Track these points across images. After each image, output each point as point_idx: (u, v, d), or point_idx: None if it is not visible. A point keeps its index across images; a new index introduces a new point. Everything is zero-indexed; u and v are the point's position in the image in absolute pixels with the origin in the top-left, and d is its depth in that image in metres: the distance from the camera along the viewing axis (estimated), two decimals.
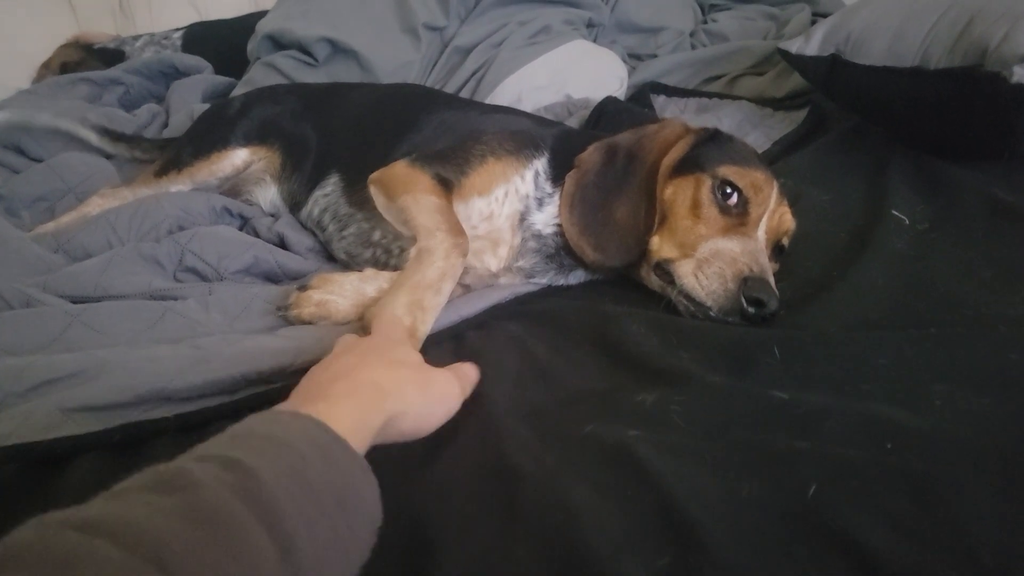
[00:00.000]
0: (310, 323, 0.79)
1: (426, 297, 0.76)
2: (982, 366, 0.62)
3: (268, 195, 1.26)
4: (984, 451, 0.52)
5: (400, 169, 0.94)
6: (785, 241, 0.91)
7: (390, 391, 0.54)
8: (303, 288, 0.81)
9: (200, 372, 0.67)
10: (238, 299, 0.82)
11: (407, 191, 0.89)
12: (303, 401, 0.50)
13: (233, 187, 1.27)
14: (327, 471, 0.41)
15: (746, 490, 0.51)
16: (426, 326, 0.76)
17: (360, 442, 0.47)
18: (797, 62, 1.30)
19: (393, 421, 0.53)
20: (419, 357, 0.64)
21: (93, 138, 1.36)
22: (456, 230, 0.84)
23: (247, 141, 1.24)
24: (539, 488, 0.53)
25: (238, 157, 1.24)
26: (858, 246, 0.86)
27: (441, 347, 0.76)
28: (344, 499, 0.41)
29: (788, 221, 0.90)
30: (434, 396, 0.59)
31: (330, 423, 0.45)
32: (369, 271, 0.86)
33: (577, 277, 0.93)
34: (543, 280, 0.92)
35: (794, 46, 1.29)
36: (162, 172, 1.24)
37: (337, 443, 0.44)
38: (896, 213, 0.91)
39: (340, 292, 0.80)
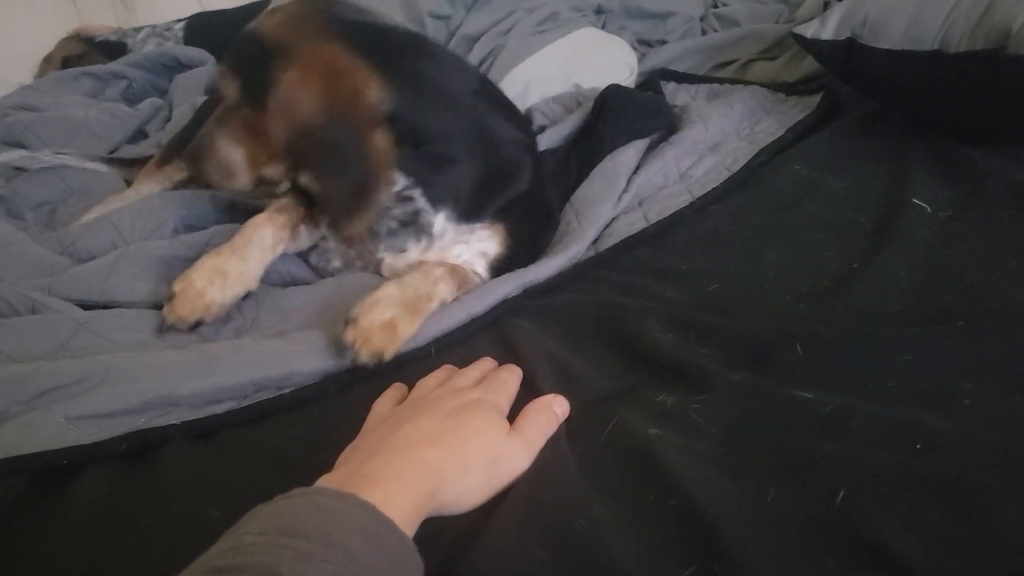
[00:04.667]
0: None
1: (230, 262, 0.79)
2: (1012, 362, 0.59)
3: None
4: (1018, 454, 0.50)
5: None
6: None
7: (446, 480, 0.50)
8: None
9: (208, 377, 0.66)
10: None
11: None
12: (351, 476, 0.47)
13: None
14: (377, 560, 0.40)
15: (771, 496, 0.50)
16: (226, 290, 0.78)
17: (409, 526, 0.45)
18: (812, 47, 1.26)
19: (441, 508, 0.51)
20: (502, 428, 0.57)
21: (102, 169, 1.28)
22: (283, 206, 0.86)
23: None
24: (559, 490, 0.52)
25: None
26: (878, 236, 0.84)
27: (453, 349, 0.75)
28: None
29: None
30: (495, 484, 0.54)
31: (383, 510, 0.43)
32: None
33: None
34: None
35: (809, 30, 1.25)
36: (164, 160, 1.19)
37: (392, 532, 0.42)
38: (917, 201, 0.88)
39: None
